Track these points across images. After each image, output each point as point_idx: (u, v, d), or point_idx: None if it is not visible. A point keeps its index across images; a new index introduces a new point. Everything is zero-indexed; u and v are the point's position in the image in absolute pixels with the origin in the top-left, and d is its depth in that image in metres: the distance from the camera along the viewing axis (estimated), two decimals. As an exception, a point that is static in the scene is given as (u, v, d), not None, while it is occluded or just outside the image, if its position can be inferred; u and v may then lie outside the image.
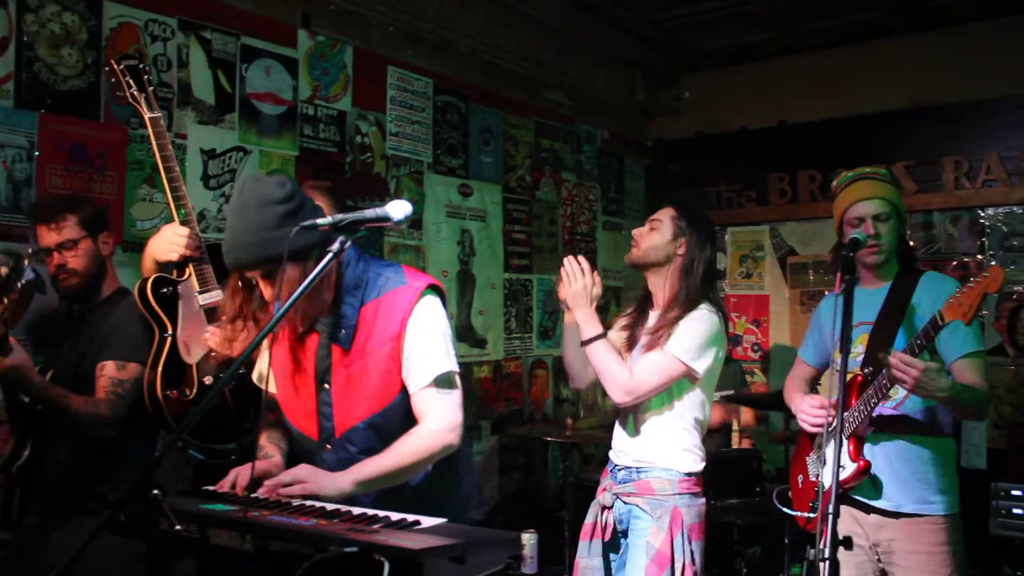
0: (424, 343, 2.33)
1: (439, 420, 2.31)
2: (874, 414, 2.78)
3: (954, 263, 5.74)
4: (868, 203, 2.91)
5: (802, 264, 6.43)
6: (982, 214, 5.71)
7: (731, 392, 5.16)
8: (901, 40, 5.96)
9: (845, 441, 2.82)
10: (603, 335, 3.06)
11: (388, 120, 4.89)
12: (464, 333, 5.33)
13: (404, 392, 2.36)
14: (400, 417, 2.35)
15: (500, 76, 5.66)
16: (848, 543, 2.13)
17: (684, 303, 3.06)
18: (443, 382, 2.33)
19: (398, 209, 1.97)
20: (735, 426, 5.32)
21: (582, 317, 3.05)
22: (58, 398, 2.68)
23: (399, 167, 4.95)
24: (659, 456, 3.09)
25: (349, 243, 1.95)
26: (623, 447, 3.20)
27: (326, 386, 2.37)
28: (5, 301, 2.43)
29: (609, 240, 6.69)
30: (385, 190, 4.82)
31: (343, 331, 2.33)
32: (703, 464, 3.12)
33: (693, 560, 3.00)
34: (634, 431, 3.16)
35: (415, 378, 2.33)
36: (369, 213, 1.97)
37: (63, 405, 2.69)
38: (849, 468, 2.80)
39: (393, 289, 2.35)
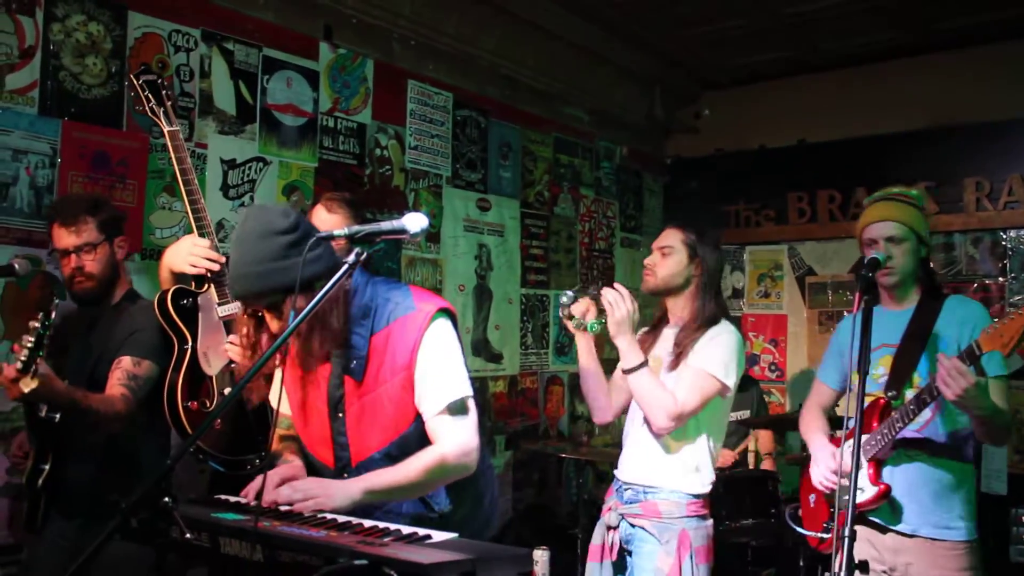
0: (436, 369, 2.30)
1: (454, 443, 2.29)
2: (897, 437, 2.75)
3: (975, 285, 5.69)
4: (882, 224, 2.89)
5: (821, 284, 6.39)
6: (1004, 236, 5.66)
7: (747, 413, 5.13)
8: (922, 60, 5.93)
9: (865, 464, 2.79)
10: (645, 363, 3.03)
11: (408, 133, 4.91)
12: (480, 348, 5.32)
13: (418, 420, 2.34)
14: (415, 445, 2.33)
15: (520, 91, 5.67)
16: (865, 567, 2.09)
17: (707, 320, 3.11)
18: (456, 407, 2.30)
19: (414, 222, 1.97)
20: (752, 446, 5.28)
21: (625, 345, 3.01)
22: (80, 399, 2.68)
23: (418, 180, 4.96)
24: (668, 477, 3.08)
25: (364, 254, 1.94)
26: (631, 465, 3.19)
27: (340, 415, 2.36)
28: (42, 353, 2.45)
29: (627, 257, 6.67)
30: (403, 203, 4.83)
31: (354, 362, 2.31)
32: (711, 486, 3.12)
33: None
34: (644, 449, 3.15)
35: (428, 404, 2.30)
36: (385, 225, 1.97)
37: (84, 405, 2.69)
38: (869, 492, 2.77)
39: (402, 316, 2.31)
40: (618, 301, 3.01)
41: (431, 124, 5.05)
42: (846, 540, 2.08)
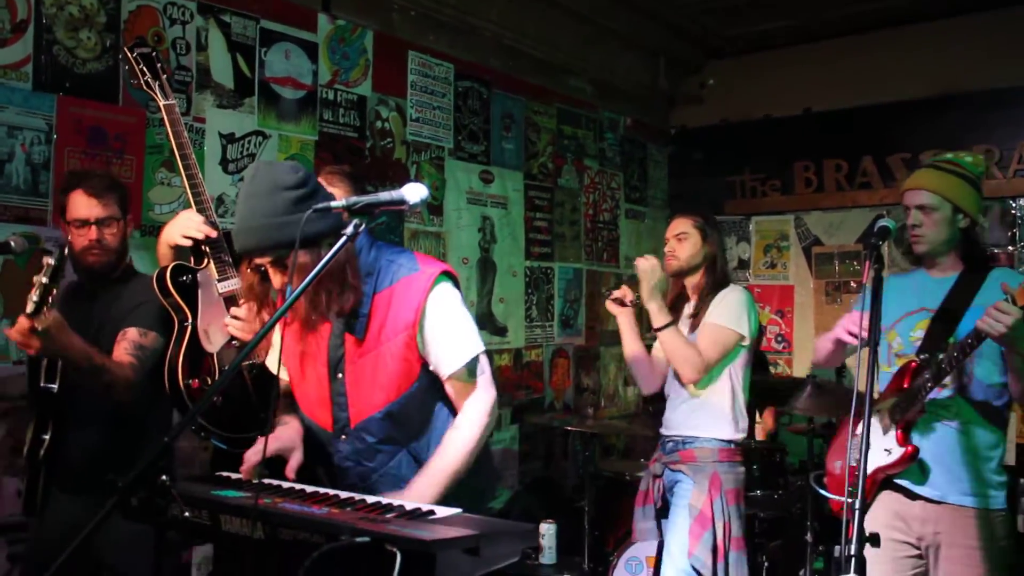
0: (447, 329, 2.31)
1: (479, 404, 2.34)
2: (927, 399, 2.71)
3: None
4: (915, 192, 2.88)
5: (827, 254, 6.34)
6: (1013, 205, 5.59)
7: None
8: (929, 26, 5.84)
9: (893, 426, 2.77)
10: (674, 321, 3.48)
11: (409, 105, 4.85)
12: (485, 321, 5.28)
13: (421, 380, 2.34)
14: (417, 405, 2.35)
15: (522, 62, 5.60)
16: (875, 540, 2.06)
17: (717, 286, 3.57)
18: (473, 365, 2.35)
19: (414, 192, 1.93)
20: (756, 418, 5.26)
21: (655, 307, 3.45)
22: (94, 354, 2.65)
23: (420, 153, 4.91)
24: (701, 427, 3.51)
25: (364, 226, 1.90)
26: (671, 419, 3.63)
27: (340, 376, 2.35)
28: (55, 291, 2.41)
29: (632, 228, 6.62)
30: (405, 176, 4.78)
31: (356, 320, 2.30)
32: (742, 433, 3.54)
33: (731, 522, 3.40)
34: (680, 404, 3.59)
35: (445, 365, 2.32)
36: (384, 196, 1.93)
37: (99, 361, 2.66)
38: (896, 453, 2.74)
39: (406, 276, 2.31)
40: (653, 269, 3.46)
41: (432, 96, 4.99)
42: (857, 512, 2.04)
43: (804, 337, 6.39)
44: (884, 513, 2.85)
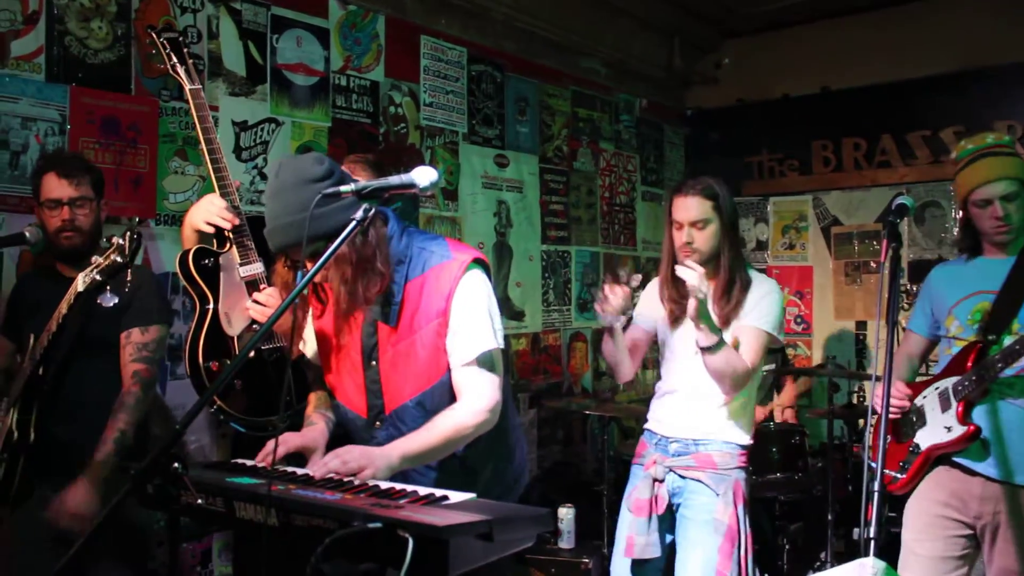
0: (469, 319, 2.29)
1: (480, 399, 2.28)
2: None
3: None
4: (995, 185, 2.78)
5: (847, 234, 6.28)
6: (1036, 181, 5.51)
7: (772, 366, 5.07)
8: (948, 1, 5.75)
9: (954, 404, 2.75)
10: (723, 340, 2.96)
11: (422, 90, 4.83)
12: (502, 306, 5.22)
13: (451, 370, 2.33)
14: (448, 393, 2.33)
15: (536, 45, 5.56)
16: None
17: (745, 279, 3.09)
18: (485, 360, 2.30)
19: (424, 176, 1.93)
20: (775, 399, 5.23)
21: (707, 327, 2.91)
22: (107, 455, 2.70)
23: (434, 138, 4.89)
24: (719, 429, 3.08)
25: (373, 211, 1.90)
26: (676, 418, 3.17)
27: (373, 363, 2.36)
28: (129, 274, 2.39)
29: (648, 211, 6.58)
30: (420, 161, 4.76)
31: (389, 308, 2.30)
32: (751, 437, 3.16)
33: (749, 530, 3.05)
34: (690, 402, 3.13)
35: (458, 354, 2.30)
36: (394, 180, 1.94)
37: (124, 444, 2.73)
38: (956, 431, 2.71)
39: (438, 264, 2.31)
40: (702, 278, 2.89)
41: (446, 80, 4.96)
42: (876, 495, 2.02)
43: (824, 318, 6.34)
44: (939, 491, 2.83)
